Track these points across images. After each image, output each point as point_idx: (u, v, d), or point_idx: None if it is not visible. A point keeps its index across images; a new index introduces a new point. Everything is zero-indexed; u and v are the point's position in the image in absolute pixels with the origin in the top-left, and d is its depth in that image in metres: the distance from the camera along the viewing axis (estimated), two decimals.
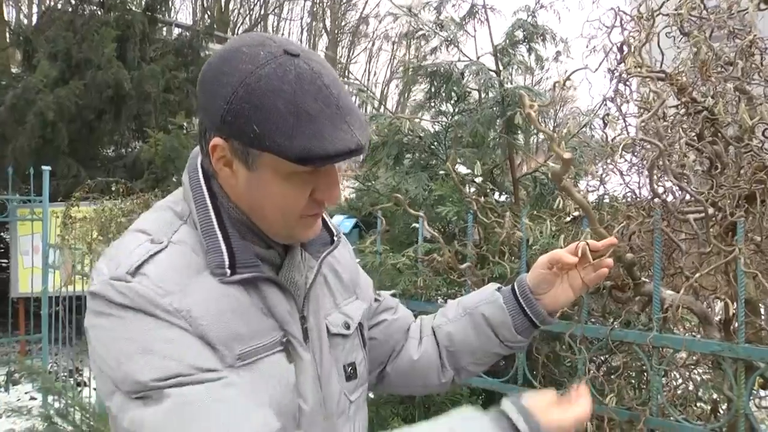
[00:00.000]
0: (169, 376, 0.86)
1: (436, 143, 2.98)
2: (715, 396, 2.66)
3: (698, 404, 2.98)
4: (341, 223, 4.12)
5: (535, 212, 2.66)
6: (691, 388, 2.87)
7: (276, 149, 0.91)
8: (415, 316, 1.38)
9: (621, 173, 3.13)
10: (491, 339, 1.24)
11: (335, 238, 1.14)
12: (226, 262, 0.96)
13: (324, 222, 1.14)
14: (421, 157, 3.04)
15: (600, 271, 1.21)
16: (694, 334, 2.83)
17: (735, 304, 2.06)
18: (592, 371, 2.64)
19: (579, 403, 0.98)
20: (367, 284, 1.27)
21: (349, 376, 1.12)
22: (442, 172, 2.91)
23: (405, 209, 2.48)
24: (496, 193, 3.34)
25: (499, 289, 1.27)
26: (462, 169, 3.47)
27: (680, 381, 2.72)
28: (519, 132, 3.09)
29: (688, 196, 2.40)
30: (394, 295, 1.38)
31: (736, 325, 2.04)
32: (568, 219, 2.68)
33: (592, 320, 2.56)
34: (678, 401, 2.90)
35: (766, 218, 2.46)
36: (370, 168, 3.10)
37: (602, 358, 2.96)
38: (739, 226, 2.09)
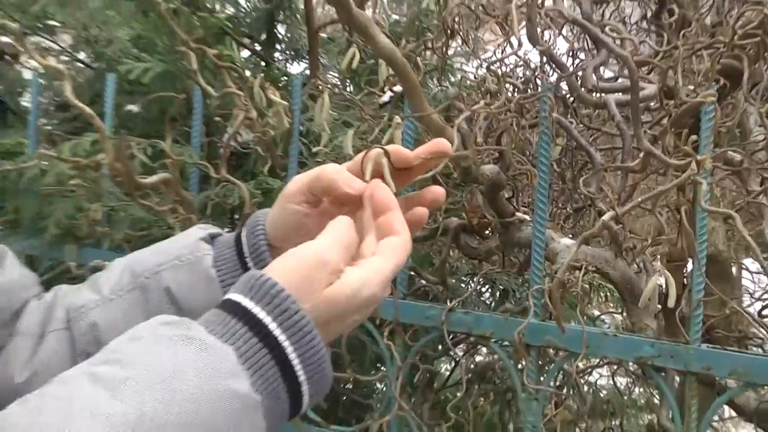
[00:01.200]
0: None
1: None
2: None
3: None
4: None
5: (321, 82, 1.60)
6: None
7: None
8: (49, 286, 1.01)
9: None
10: None
11: None
12: None
13: None
14: None
15: (415, 212, 0.87)
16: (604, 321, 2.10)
17: (688, 266, 1.59)
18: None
19: (393, 241, 0.74)
20: None
21: None
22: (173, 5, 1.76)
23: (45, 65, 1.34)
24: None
25: (213, 238, 0.95)
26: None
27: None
28: None
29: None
30: None
31: (688, 306, 1.46)
32: (383, 100, 1.70)
33: (421, 287, 1.95)
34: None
35: (757, 105, 1.58)
36: None
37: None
38: (703, 119, 1.39)
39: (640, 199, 1.21)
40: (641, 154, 1.27)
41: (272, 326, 0.66)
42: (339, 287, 0.70)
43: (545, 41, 1.44)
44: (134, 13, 2.01)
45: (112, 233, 1.92)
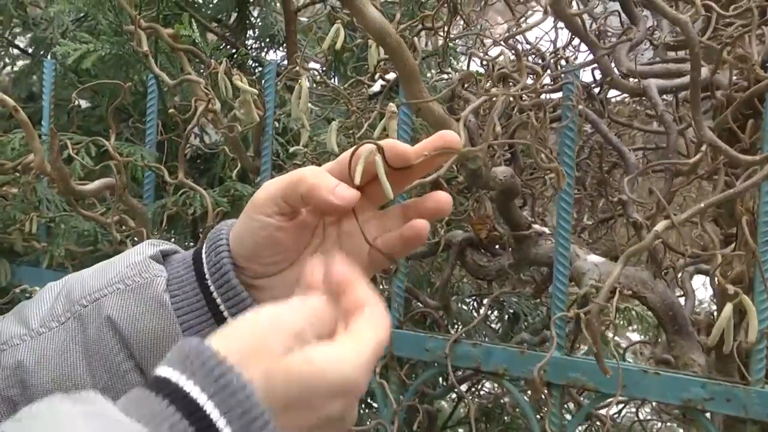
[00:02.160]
0: None
1: None
2: None
3: None
4: None
5: (300, 68, 1.38)
6: None
7: None
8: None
9: None
10: (130, 379, 0.82)
11: None
12: None
13: None
14: None
15: (414, 225, 0.77)
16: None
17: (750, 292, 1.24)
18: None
19: (368, 314, 0.64)
20: None
21: None
22: None
23: None
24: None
25: (167, 257, 0.86)
26: None
27: None
28: None
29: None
30: None
31: (746, 338, 1.23)
32: (373, 90, 1.51)
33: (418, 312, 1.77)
34: None
35: None
36: None
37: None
38: None
39: (703, 204, 1.00)
40: (703, 147, 1.05)
41: (208, 407, 0.56)
42: (302, 358, 0.60)
43: (573, 12, 1.23)
44: None
45: (52, 249, 1.69)
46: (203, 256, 0.84)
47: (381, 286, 1.69)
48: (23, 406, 0.78)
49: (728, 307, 1.07)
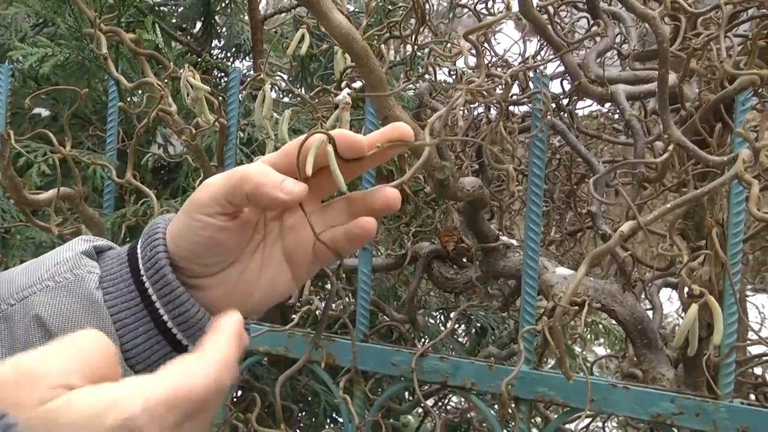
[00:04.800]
0: None
1: None
2: None
3: None
4: None
5: (265, 74, 1.33)
6: None
7: None
8: None
9: None
10: None
11: None
12: None
13: None
14: None
15: (360, 224, 0.74)
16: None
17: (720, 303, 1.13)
18: None
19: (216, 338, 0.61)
20: None
21: None
22: None
23: None
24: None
25: (102, 253, 0.78)
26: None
27: None
28: None
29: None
30: None
31: (715, 352, 1.25)
32: (340, 98, 1.46)
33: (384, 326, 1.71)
34: None
35: None
36: None
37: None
38: (738, 110, 1.16)
39: (669, 205, 0.96)
40: (670, 147, 1.01)
41: None
42: (61, 402, 0.54)
43: (542, 17, 1.19)
44: None
45: (7, 260, 1.60)
46: (138, 251, 0.77)
47: (347, 299, 1.63)
48: None
49: (693, 308, 1.02)
